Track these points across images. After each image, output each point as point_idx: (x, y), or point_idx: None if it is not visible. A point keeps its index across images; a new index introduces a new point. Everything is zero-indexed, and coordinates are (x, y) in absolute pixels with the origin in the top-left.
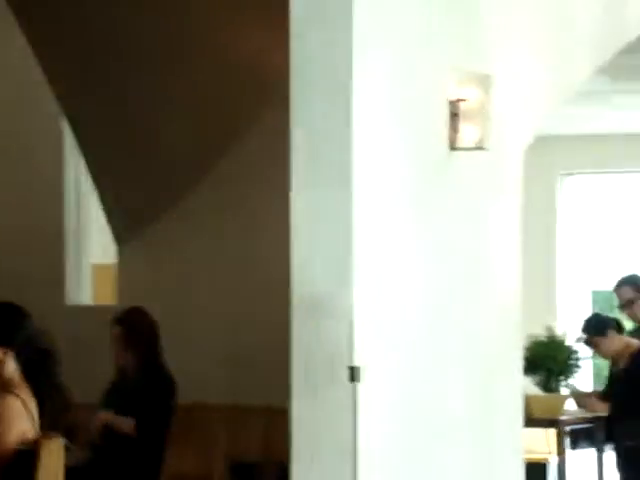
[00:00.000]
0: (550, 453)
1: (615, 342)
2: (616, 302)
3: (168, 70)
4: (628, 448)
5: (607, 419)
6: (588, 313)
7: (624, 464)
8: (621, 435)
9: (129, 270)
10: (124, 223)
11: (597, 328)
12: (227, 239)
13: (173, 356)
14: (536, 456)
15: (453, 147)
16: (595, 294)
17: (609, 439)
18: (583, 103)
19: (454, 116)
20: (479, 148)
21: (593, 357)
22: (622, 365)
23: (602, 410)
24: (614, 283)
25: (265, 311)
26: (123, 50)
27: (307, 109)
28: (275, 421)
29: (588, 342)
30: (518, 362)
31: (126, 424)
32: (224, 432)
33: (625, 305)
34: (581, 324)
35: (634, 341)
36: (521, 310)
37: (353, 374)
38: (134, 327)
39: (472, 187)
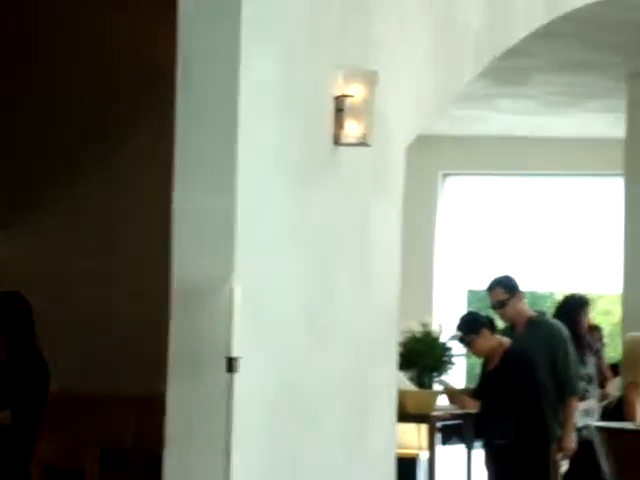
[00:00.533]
0: (421, 449)
1: (488, 341)
2: (489, 302)
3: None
4: (497, 446)
5: (477, 416)
6: (463, 312)
7: (493, 461)
8: (491, 433)
9: (6, 256)
10: (0, 209)
11: (471, 326)
12: (102, 226)
13: (48, 343)
14: (407, 451)
15: (337, 142)
16: (470, 293)
17: (478, 436)
18: (466, 105)
19: (339, 112)
20: (362, 144)
21: (466, 355)
22: (494, 364)
23: (473, 407)
24: (488, 283)
25: (141, 299)
26: None
27: (192, 106)
28: (150, 410)
29: (462, 340)
30: (393, 357)
31: (1, 414)
32: (97, 420)
33: (497, 305)
34: (456, 322)
35: (506, 340)
36: (398, 306)
37: (230, 364)
38: (8, 313)
39: (356, 183)
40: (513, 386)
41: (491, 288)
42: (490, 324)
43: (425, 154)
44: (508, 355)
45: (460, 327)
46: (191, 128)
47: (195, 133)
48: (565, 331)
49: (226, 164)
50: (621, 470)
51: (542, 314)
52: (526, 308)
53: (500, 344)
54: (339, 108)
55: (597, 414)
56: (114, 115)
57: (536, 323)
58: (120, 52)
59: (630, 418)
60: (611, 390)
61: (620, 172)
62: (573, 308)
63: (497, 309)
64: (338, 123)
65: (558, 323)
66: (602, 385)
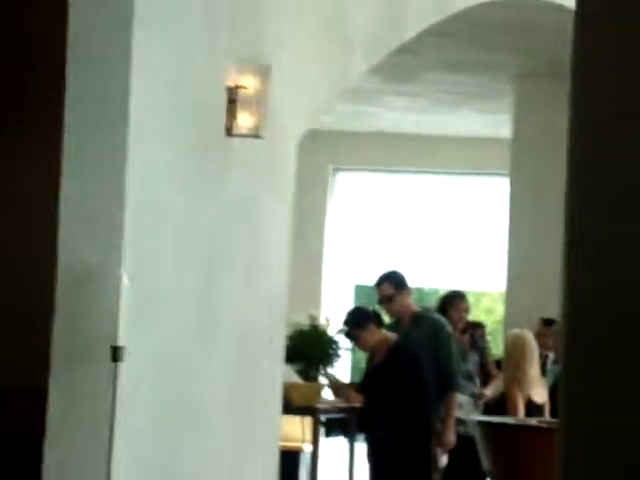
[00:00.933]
0: (305, 442)
1: (374, 335)
2: (377, 297)
3: None
4: (380, 440)
5: (361, 410)
6: (350, 306)
7: (375, 455)
8: (374, 427)
9: None
10: None
11: (358, 321)
12: None
13: None
14: (291, 444)
15: (230, 133)
16: (358, 288)
17: (361, 430)
18: (357, 101)
19: (232, 103)
20: (255, 136)
21: (352, 349)
22: (379, 358)
23: (357, 401)
24: (376, 279)
25: (24, 289)
26: None
27: (83, 91)
28: (34, 400)
29: (348, 334)
30: (280, 350)
31: None
32: None
33: (384, 300)
34: (343, 316)
35: (392, 335)
36: (286, 300)
37: (115, 353)
38: None
39: (247, 175)
40: (397, 381)
41: (379, 283)
42: (377, 319)
43: (316, 149)
44: (393, 350)
45: (347, 321)
46: (80, 113)
47: (84, 118)
48: (448, 327)
49: (116, 150)
50: (500, 464)
51: (427, 310)
52: (412, 304)
53: (386, 339)
54: (232, 99)
55: (469, 410)
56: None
57: (421, 318)
58: None
59: (512, 413)
60: (493, 387)
61: (506, 172)
62: (445, 304)
63: (384, 304)
64: (231, 114)
65: (442, 319)
66: (485, 382)
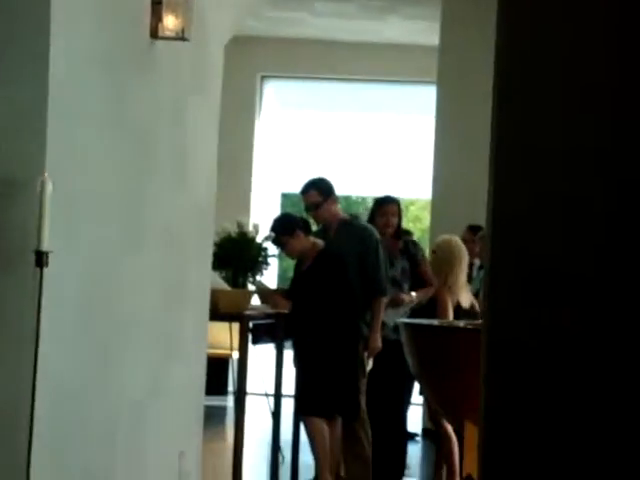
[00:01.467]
0: (232, 349)
1: (302, 242)
2: (304, 204)
3: None
4: (307, 345)
5: (288, 316)
6: (277, 214)
7: (302, 360)
8: (301, 332)
9: None
10: None
11: (285, 228)
12: None
13: None
14: (219, 351)
15: (155, 36)
16: (284, 197)
17: (289, 335)
18: (284, 7)
19: (157, 4)
20: (181, 38)
21: (280, 256)
22: (307, 265)
23: (285, 307)
24: (302, 186)
25: None
26: None
27: None
28: None
29: (276, 241)
30: (208, 257)
31: None
32: None
33: (311, 208)
34: (271, 224)
35: (319, 242)
36: (214, 206)
37: (40, 259)
38: None
39: (173, 79)
40: (325, 286)
41: (305, 190)
42: (304, 226)
43: (244, 55)
44: (321, 256)
45: (274, 228)
46: (2, 18)
47: (4, 21)
48: (376, 234)
49: (37, 55)
50: (427, 367)
51: (355, 217)
52: (339, 211)
53: (314, 246)
54: (157, 1)
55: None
56: None
57: (348, 226)
58: None
59: (442, 317)
60: (423, 293)
61: (433, 80)
62: (374, 209)
63: (310, 211)
64: (156, 16)
65: (369, 226)
66: (415, 288)
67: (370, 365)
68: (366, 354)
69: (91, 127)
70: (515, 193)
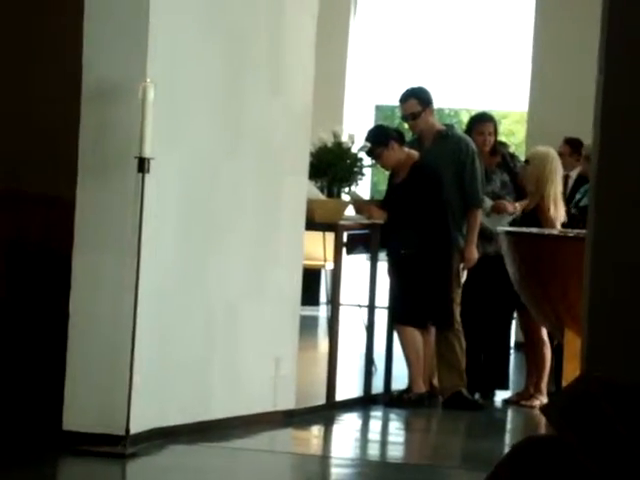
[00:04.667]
0: (327, 260)
1: (396, 153)
2: (401, 113)
3: None
4: (401, 256)
5: (383, 227)
6: (371, 125)
7: (396, 271)
8: (396, 243)
9: None
10: None
11: (380, 138)
12: None
13: None
14: (313, 262)
15: None
16: (377, 108)
17: (384, 246)
18: None
19: None
20: None
21: (374, 166)
22: (401, 177)
23: (380, 218)
24: (401, 94)
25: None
26: None
27: None
28: (59, 211)
29: (370, 152)
30: (305, 166)
31: None
32: (3, 217)
33: (409, 117)
34: (365, 134)
35: (414, 153)
36: (310, 115)
37: (142, 165)
38: None
39: None
40: (419, 198)
41: (404, 99)
42: (399, 137)
43: None
44: (416, 168)
45: (369, 139)
46: None
47: None
48: (472, 145)
49: None
50: (526, 275)
51: (451, 127)
52: (436, 122)
53: (408, 157)
54: None
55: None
56: None
57: (444, 137)
58: None
59: (546, 226)
60: (523, 203)
61: None
62: (471, 126)
63: (408, 120)
64: None
65: (466, 137)
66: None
67: (464, 277)
68: (462, 265)
69: (190, 33)
70: (625, 106)
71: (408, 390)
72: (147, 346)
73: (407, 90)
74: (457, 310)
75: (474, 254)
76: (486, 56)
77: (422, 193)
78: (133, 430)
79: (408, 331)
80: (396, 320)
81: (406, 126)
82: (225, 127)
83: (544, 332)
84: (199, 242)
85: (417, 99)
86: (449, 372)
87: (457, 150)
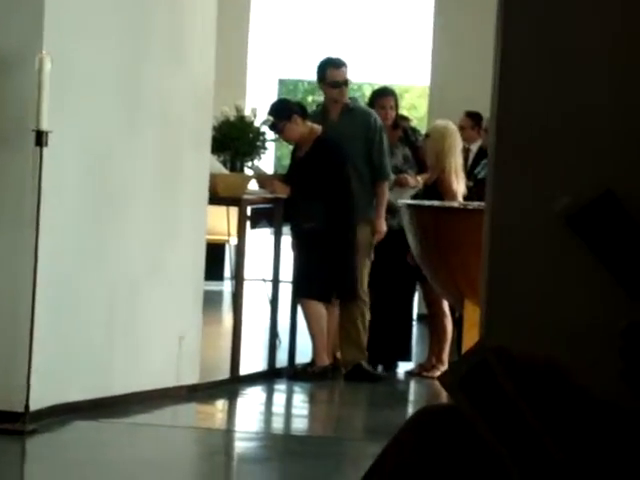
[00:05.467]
0: (230, 235)
1: (299, 127)
2: (335, 79)
3: None
4: (305, 230)
5: (287, 201)
6: (274, 99)
7: (299, 244)
8: (299, 216)
9: None
10: None
11: (283, 112)
12: None
13: None
14: (217, 237)
15: None
16: (281, 82)
17: (287, 220)
18: None
19: None
20: None
21: (277, 140)
22: (304, 150)
23: (283, 192)
24: (336, 61)
25: None
26: None
27: None
28: None
29: (273, 126)
30: (207, 140)
31: None
32: None
33: (343, 83)
34: (268, 108)
35: (318, 127)
36: (212, 89)
37: (40, 138)
38: None
39: None
40: (322, 172)
41: (341, 65)
42: (302, 110)
43: None
44: (319, 141)
45: (272, 112)
46: None
47: None
48: (379, 119)
49: None
50: (426, 246)
51: (355, 100)
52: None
53: (311, 131)
54: None
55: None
56: None
57: (350, 110)
58: None
59: (449, 199)
60: (424, 176)
61: None
62: (373, 100)
63: (342, 86)
64: None
65: (372, 111)
66: (422, 172)
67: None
68: (374, 237)
69: (89, 3)
70: (522, 81)
71: (312, 363)
72: (46, 324)
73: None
74: (365, 281)
75: (383, 227)
76: (388, 31)
77: (325, 166)
78: (33, 407)
79: (312, 305)
80: (299, 294)
81: (310, 99)
82: (125, 100)
83: (445, 304)
84: (99, 218)
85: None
86: (350, 345)
87: (365, 124)
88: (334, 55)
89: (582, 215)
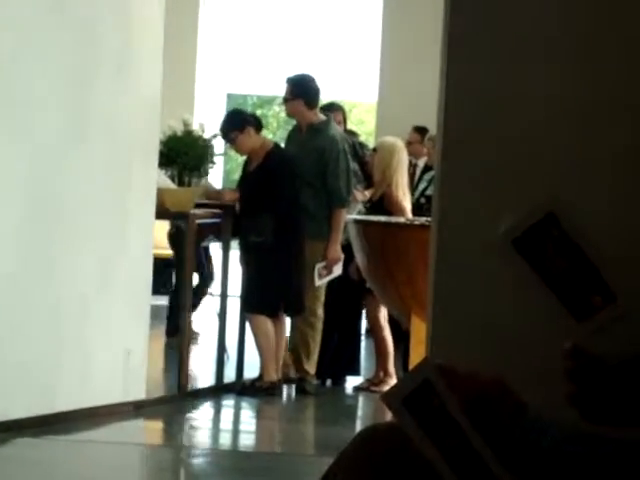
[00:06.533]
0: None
1: (252, 139)
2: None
3: None
4: (253, 244)
5: (235, 216)
6: (223, 114)
7: (247, 258)
8: (247, 231)
9: None
10: None
11: (235, 123)
12: None
13: None
14: (163, 252)
15: None
16: (229, 97)
17: (235, 234)
18: None
19: None
20: None
21: (225, 155)
22: (256, 163)
23: (232, 200)
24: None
25: None
26: None
27: None
28: None
29: (227, 136)
30: (154, 155)
31: None
32: None
33: (283, 101)
34: (221, 119)
35: (270, 141)
36: (160, 101)
37: None
38: None
39: None
40: (272, 185)
41: (285, 82)
42: (256, 122)
43: None
44: (271, 155)
45: (225, 123)
46: None
47: None
48: (340, 145)
49: None
50: (373, 262)
51: (326, 123)
52: (311, 114)
53: (264, 144)
54: None
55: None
56: None
57: (316, 131)
58: None
59: (398, 214)
60: (371, 191)
61: None
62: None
63: (284, 103)
64: None
65: (337, 136)
66: (370, 187)
67: (336, 272)
68: (323, 264)
69: (31, 10)
70: (467, 97)
71: (260, 378)
72: None
73: (291, 75)
74: (321, 298)
75: (338, 253)
76: (337, 48)
77: (275, 179)
78: None
79: (259, 319)
80: (247, 309)
81: (258, 114)
82: (72, 114)
83: (382, 317)
84: (46, 233)
85: (290, 85)
86: (300, 360)
87: (321, 147)
88: (280, 71)
89: (525, 238)
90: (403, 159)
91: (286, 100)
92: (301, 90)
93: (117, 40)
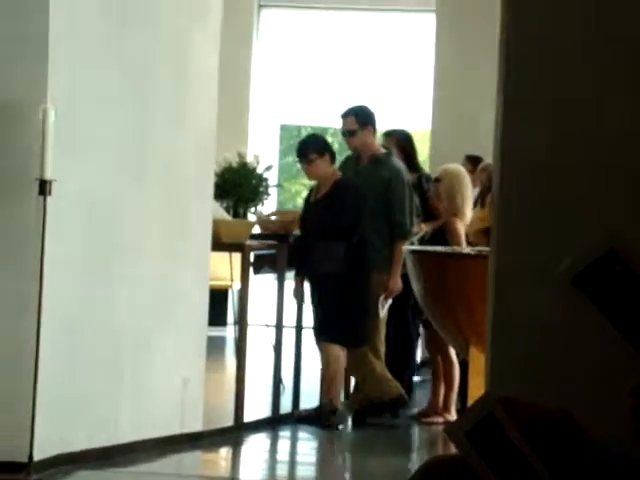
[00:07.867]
0: (233, 280)
1: (326, 166)
2: (341, 129)
3: None
4: (327, 272)
5: (289, 247)
6: (276, 145)
7: (320, 288)
8: (315, 260)
9: None
10: None
11: (319, 145)
12: None
13: None
14: (220, 282)
15: None
16: (283, 128)
17: (291, 265)
18: None
19: None
20: None
21: (279, 186)
22: (323, 191)
23: (287, 219)
24: (343, 111)
25: None
26: None
27: None
28: None
29: (305, 156)
30: (210, 187)
31: None
32: None
33: (346, 134)
34: (299, 143)
35: (338, 171)
36: (215, 139)
37: (43, 187)
38: None
39: (174, 12)
40: (345, 214)
41: (345, 115)
42: (333, 153)
43: None
44: (339, 183)
45: (307, 143)
46: None
47: None
48: (405, 175)
49: None
50: (431, 293)
51: (388, 154)
52: (374, 144)
53: (333, 173)
54: None
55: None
56: None
57: (378, 161)
58: None
59: (456, 244)
60: (433, 224)
61: (432, 8)
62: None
63: (346, 137)
64: None
65: (400, 167)
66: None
67: (387, 304)
68: (383, 295)
69: (92, 58)
70: (525, 126)
71: (319, 408)
72: (51, 372)
73: (349, 107)
74: (383, 331)
75: (395, 285)
76: (390, 77)
77: (347, 208)
78: (37, 457)
79: (335, 349)
80: (323, 338)
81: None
82: (129, 152)
83: (452, 350)
84: (105, 266)
85: (355, 117)
86: (366, 386)
87: (387, 179)
88: (334, 102)
89: (586, 274)
90: (468, 185)
91: (353, 132)
92: (369, 120)
93: (173, 79)
